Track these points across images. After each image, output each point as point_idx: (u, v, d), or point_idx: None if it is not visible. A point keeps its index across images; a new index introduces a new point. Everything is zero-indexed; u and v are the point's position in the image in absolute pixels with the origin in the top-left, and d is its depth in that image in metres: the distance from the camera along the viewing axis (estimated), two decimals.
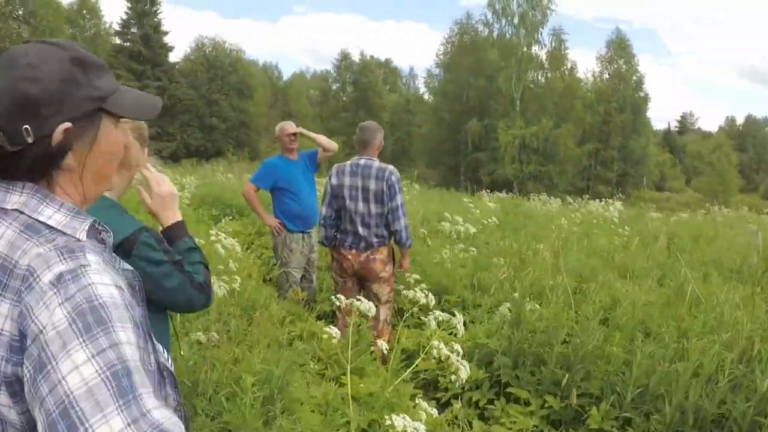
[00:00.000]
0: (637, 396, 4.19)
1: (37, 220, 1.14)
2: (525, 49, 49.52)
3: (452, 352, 2.98)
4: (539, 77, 51.83)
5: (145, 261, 2.05)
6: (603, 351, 4.60)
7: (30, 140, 1.12)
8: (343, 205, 5.20)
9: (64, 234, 1.14)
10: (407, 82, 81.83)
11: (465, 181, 38.05)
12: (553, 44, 51.28)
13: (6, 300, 1.05)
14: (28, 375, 1.01)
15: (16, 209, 1.14)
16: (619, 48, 54.93)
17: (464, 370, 2.98)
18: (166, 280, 2.11)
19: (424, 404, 3.19)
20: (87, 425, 0.93)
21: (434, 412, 3.07)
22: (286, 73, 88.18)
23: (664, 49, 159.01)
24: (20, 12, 37.30)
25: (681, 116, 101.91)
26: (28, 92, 1.12)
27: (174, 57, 56.61)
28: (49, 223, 1.14)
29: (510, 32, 50.23)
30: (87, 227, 1.18)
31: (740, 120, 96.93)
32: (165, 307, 2.23)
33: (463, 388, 4.79)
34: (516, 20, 49.75)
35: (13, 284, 1.06)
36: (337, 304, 3.95)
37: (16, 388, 1.04)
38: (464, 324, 3.77)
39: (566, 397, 4.40)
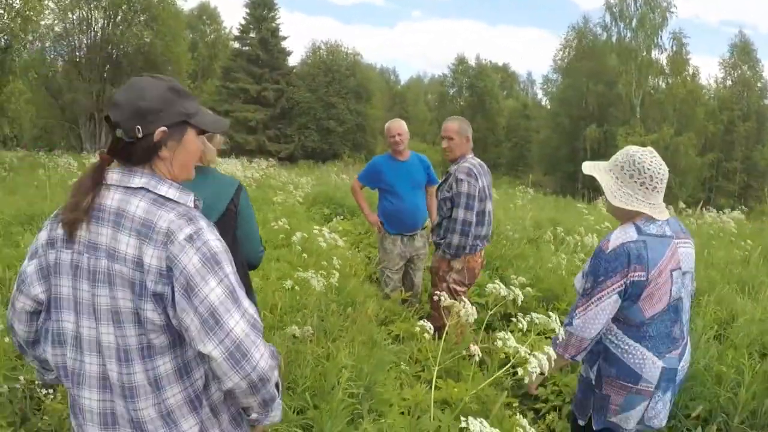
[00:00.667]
0: (747, 418, 3.97)
1: (159, 194, 1.81)
2: (644, 53, 48.37)
3: (538, 355, 2.81)
4: (660, 83, 50.43)
5: (246, 202, 3.18)
6: (714, 369, 4.35)
7: (140, 135, 1.81)
8: (483, 207, 5.24)
9: (180, 204, 1.83)
10: (525, 88, 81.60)
11: (582, 188, 37.22)
12: (674, 48, 49.61)
13: (153, 246, 1.72)
14: (178, 294, 1.72)
15: (143, 187, 1.81)
16: (743, 53, 52.04)
17: (534, 373, 2.78)
18: (253, 221, 3.27)
19: (521, 418, 3.07)
20: (224, 319, 1.72)
21: (524, 422, 2.94)
22: (403, 78, 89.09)
23: None
24: (143, 18, 39.05)
25: None
26: (140, 105, 1.81)
27: (291, 61, 58.27)
28: (168, 195, 1.83)
29: (629, 36, 49.20)
30: (193, 199, 1.91)
31: None
32: (245, 253, 3.24)
33: (563, 401, 4.69)
34: (635, 23, 48.62)
35: (156, 237, 1.73)
36: (440, 302, 3.80)
37: (159, 300, 1.74)
38: None
39: (673, 417, 4.14)
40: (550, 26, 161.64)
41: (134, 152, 1.83)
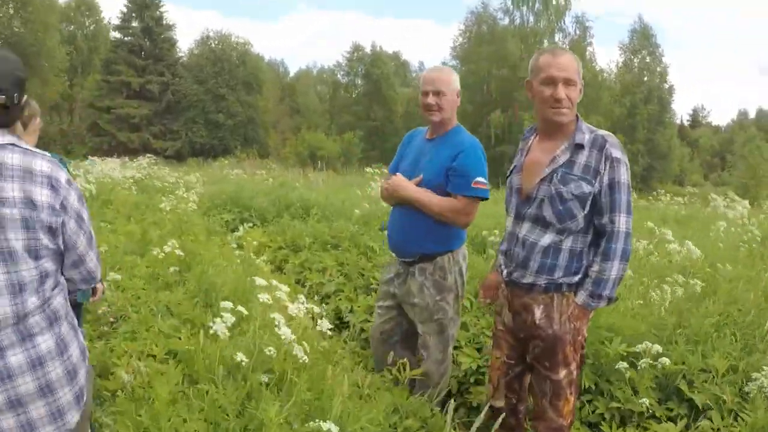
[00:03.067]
0: None
1: (24, 147, 2.34)
2: (548, 37, 52.65)
3: None
4: None
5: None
6: None
7: (17, 102, 2.38)
8: None
9: (43, 153, 2.41)
10: (417, 77, 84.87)
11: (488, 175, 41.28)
12: (577, 32, 54.15)
13: (40, 187, 2.28)
14: (71, 222, 2.40)
15: (10, 143, 2.30)
16: (643, 37, 57.33)
17: None
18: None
19: None
20: (93, 236, 2.60)
21: None
22: (292, 71, 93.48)
23: (670, 44, 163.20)
24: (11, 5, 41.00)
25: (692, 110, 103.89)
26: (18, 75, 2.40)
27: (178, 53, 60.15)
28: (30, 148, 2.37)
29: (531, 20, 53.39)
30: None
31: (752, 114, 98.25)
32: None
33: None
34: (538, 7, 52.78)
35: (41, 180, 2.29)
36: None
37: (50, 230, 2.33)
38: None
39: None
40: (436, 17, 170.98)
41: (8, 115, 2.34)
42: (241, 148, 48.97)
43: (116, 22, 59.07)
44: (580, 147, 3.31)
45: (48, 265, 2.34)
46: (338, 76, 69.81)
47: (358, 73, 66.98)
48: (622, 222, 3.21)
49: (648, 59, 57.99)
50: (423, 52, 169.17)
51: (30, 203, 2.22)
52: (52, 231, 2.31)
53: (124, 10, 57.83)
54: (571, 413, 3.46)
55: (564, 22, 54.65)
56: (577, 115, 3.42)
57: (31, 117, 3.91)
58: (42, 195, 2.26)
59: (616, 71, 58.49)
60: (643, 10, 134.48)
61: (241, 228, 10.86)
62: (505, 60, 53.30)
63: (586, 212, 3.29)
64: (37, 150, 2.38)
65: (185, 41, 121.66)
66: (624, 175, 3.24)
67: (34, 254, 2.27)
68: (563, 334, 3.36)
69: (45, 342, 2.33)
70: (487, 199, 4.31)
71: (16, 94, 2.34)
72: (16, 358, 2.26)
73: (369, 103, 63.40)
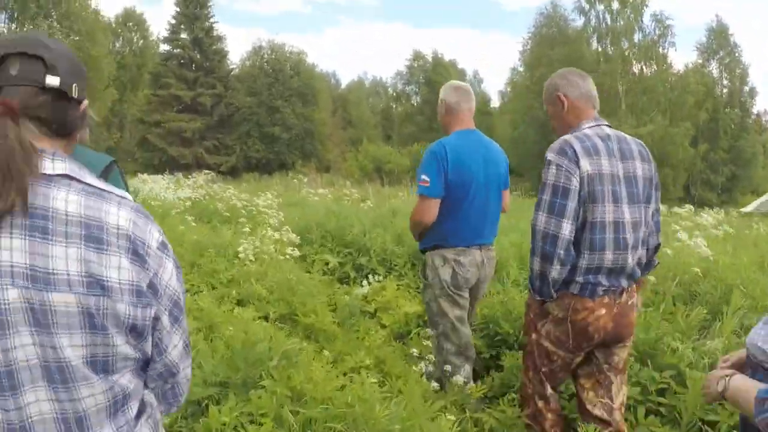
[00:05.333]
0: None
1: (86, 182, 1.52)
2: (627, 36, 50.12)
3: None
4: (644, 69, 51.87)
5: (119, 181, 3.13)
6: None
7: (75, 96, 1.56)
8: (596, 214, 3.43)
9: (119, 195, 1.58)
10: (472, 85, 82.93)
11: None
12: (656, 31, 51.48)
13: (116, 255, 1.45)
14: (165, 316, 1.58)
15: (66, 174, 1.47)
16: (721, 37, 54.70)
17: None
18: None
19: None
20: (188, 344, 1.74)
21: None
22: (343, 82, 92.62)
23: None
24: (54, 14, 39.78)
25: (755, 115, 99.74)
26: (76, 61, 1.60)
27: (229, 64, 59.11)
28: (97, 185, 1.54)
29: (608, 19, 50.94)
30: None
31: None
32: None
33: None
34: (615, 4, 50.31)
35: (116, 242, 1.46)
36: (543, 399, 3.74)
37: (134, 329, 1.51)
38: None
39: None
40: (477, 25, 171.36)
41: (63, 113, 1.52)
42: (302, 162, 48.48)
43: (165, 34, 58.39)
44: None
45: (125, 381, 1.54)
46: (399, 85, 67.09)
47: (420, 81, 65.31)
48: (539, 220, 3.44)
49: (727, 60, 55.27)
50: (470, 61, 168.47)
51: (96, 284, 1.40)
52: (136, 332, 1.50)
53: (173, 21, 57.18)
54: (528, 385, 3.86)
55: (642, 20, 51.72)
56: (568, 125, 3.67)
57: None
58: (119, 270, 1.43)
59: (693, 74, 54.77)
60: (717, 7, 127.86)
61: (365, 283, 7.81)
62: (580, 62, 49.30)
63: None
64: (111, 188, 1.53)
65: (234, 56, 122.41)
66: (549, 175, 3.41)
67: (103, 368, 1.46)
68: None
69: None
70: (432, 196, 4.53)
71: (75, 84, 1.52)
72: None
73: (432, 113, 60.32)
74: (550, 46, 53.31)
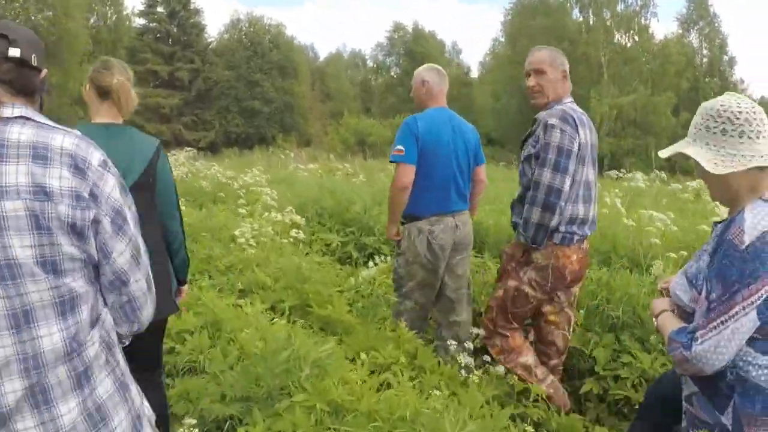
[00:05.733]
0: None
1: (40, 121, 1.82)
2: (610, 6, 49.76)
3: None
4: (625, 39, 51.56)
5: (165, 163, 3.44)
6: None
7: (34, 64, 1.92)
8: (583, 174, 4.17)
9: (68, 129, 1.88)
10: (451, 57, 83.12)
11: None
12: (639, 2, 51.05)
13: (58, 168, 1.72)
14: (107, 222, 1.82)
15: (21, 116, 1.79)
16: (700, 7, 54.60)
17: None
18: (171, 181, 3.58)
19: None
20: (142, 255, 1.97)
21: None
22: (321, 55, 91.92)
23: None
24: None
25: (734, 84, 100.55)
26: (33, 37, 1.95)
27: (207, 38, 57.87)
28: (51, 124, 1.84)
29: None
30: None
31: None
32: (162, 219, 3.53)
33: None
34: None
35: (59, 159, 1.73)
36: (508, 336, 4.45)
37: (74, 230, 1.74)
38: None
39: None
40: None
41: (29, 79, 1.90)
42: (283, 136, 47.34)
43: (140, 7, 56.85)
44: (536, 122, 4.21)
45: (76, 284, 1.77)
46: (379, 57, 66.32)
47: (399, 53, 64.78)
48: (545, 176, 3.95)
49: (707, 30, 55.32)
50: (449, 32, 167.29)
51: (41, 191, 1.69)
52: (76, 231, 1.74)
53: None
54: (495, 326, 4.49)
55: None
56: (559, 97, 4.27)
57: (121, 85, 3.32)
58: (60, 179, 1.72)
59: (674, 44, 54.42)
60: None
61: (371, 263, 7.67)
62: (561, 32, 49.43)
63: (533, 171, 4.13)
64: (62, 127, 1.85)
65: (211, 29, 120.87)
66: (554, 137, 3.96)
67: (51, 267, 1.71)
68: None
69: (69, 412, 1.75)
70: (407, 162, 4.81)
71: (33, 55, 1.92)
72: None
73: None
74: (532, 16, 52.84)
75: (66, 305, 1.73)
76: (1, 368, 1.65)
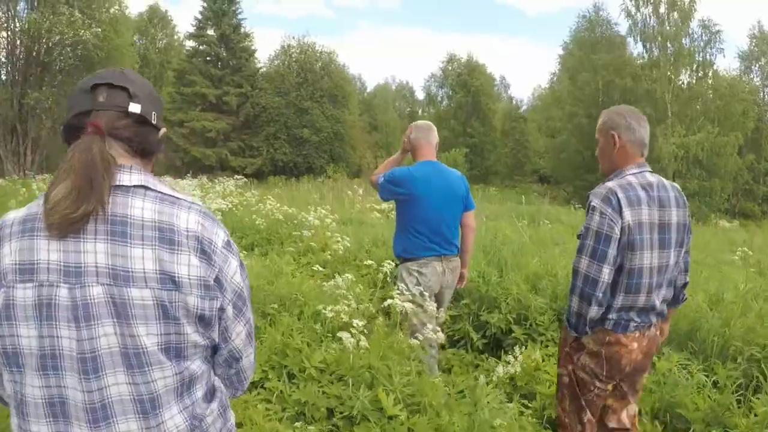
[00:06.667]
0: None
1: (161, 191, 1.78)
2: (675, 41, 47.36)
3: None
4: (691, 76, 49.61)
5: None
6: None
7: (153, 122, 1.87)
8: (634, 261, 3.63)
9: (191, 201, 1.85)
10: (500, 91, 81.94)
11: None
12: (704, 37, 48.90)
13: (186, 254, 1.73)
14: (230, 308, 1.86)
15: (142, 185, 1.75)
16: (763, 42, 52.56)
17: None
18: None
19: None
20: (252, 335, 2.01)
21: None
22: (369, 86, 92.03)
23: None
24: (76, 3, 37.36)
25: None
26: (153, 92, 1.91)
27: (257, 62, 56.74)
28: (172, 194, 1.81)
29: (653, 23, 48.38)
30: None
31: None
32: None
33: None
34: (663, 7, 47.86)
35: (185, 242, 1.74)
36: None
37: (202, 319, 1.79)
38: None
39: None
40: (496, 31, 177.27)
41: (148, 138, 1.83)
42: (334, 167, 45.80)
43: (191, 30, 55.51)
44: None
45: (195, 366, 1.83)
46: (433, 88, 65.09)
47: (452, 85, 63.16)
48: (582, 264, 3.61)
49: None
50: (494, 66, 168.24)
51: (169, 280, 1.69)
52: (204, 321, 1.78)
53: (199, 17, 54.52)
54: (565, 413, 4.00)
55: (690, 26, 48.87)
56: (618, 168, 3.81)
57: None
58: (189, 266, 1.72)
59: (739, 81, 52.24)
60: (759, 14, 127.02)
61: (505, 359, 5.65)
62: (624, 68, 48.09)
63: None
64: (183, 195, 1.84)
65: (261, 54, 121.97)
66: (593, 221, 3.59)
67: (175, 353, 1.75)
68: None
69: None
70: (385, 179, 5.43)
71: (154, 113, 1.86)
72: None
73: (466, 117, 59.84)
74: (592, 50, 51.29)
75: (185, 387, 1.77)
76: None
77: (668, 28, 47.74)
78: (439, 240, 5.47)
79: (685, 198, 3.80)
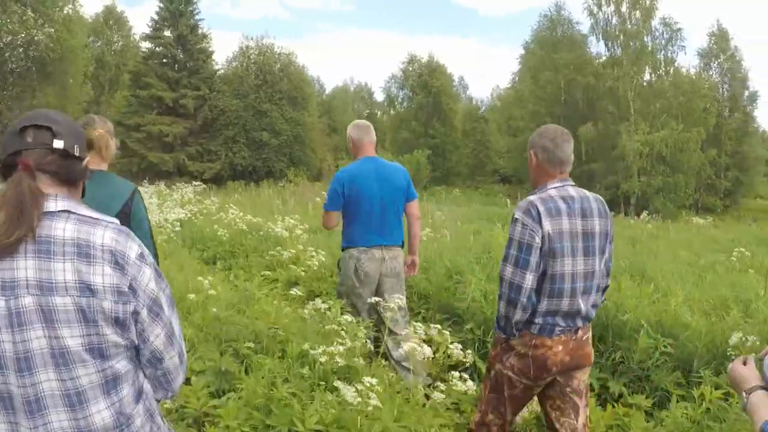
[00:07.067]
0: None
1: (82, 214, 2.01)
2: (638, 39, 47.64)
3: None
4: (652, 74, 49.91)
5: (139, 206, 4.00)
6: None
7: (77, 154, 2.08)
8: (556, 267, 3.83)
9: (109, 222, 2.08)
10: (458, 91, 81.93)
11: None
12: (665, 35, 49.21)
13: (100, 266, 1.94)
14: (144, 312, 2.02)
15: (65, 209, 1.98)
16: (722, 40, 53.01)
17: None
18: (146, 224, 4.07)
19: None
20: (176, 333, 2.17)
21: None
22: (327, 88, 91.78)
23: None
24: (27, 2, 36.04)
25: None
26: (76, 128, 2.14)
27: (214, 65, 55.42)
28: (92, 216, 2.04)
29: (615, 22, 48.61)
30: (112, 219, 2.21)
31: None
32: None
33: None
34: (625, 6, 48.13)
35: (100, 255, 1.96)
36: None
37: (117, 321, 1.97)
38: None
39: None
40: (454, 32, 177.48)
41: (72, 169, 2.05)
42: (295, 170, 44.53)
43: (147, 31, 53.69)
44: None
45: (120, 365, 2.02)
46: (393, 89, 64.31)
47: (413, 86, 62.24)
48: (506, 271, 3.78)
49: (728, 64, 53.49)
50: (453, 67, 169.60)
51: (87, 288, 1.92)
52: (119, 323, 1.98)
53: (155, 17, 52.78)
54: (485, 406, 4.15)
55: (652, 24, 49.26)
56: (541, 183, 4.00)
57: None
58: (103, 276, 1.95)
59: (698, 78, 52.93)
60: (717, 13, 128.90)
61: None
62: (587, 66, 47.54)
63: None
64: (102, 216, 2.07)
65: (218, 56, 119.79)
66: (515, 231, 3.79)
67: (98, 353, 1.96)
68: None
69: None
70: (329, 210, 6.00)
71: (76, 146, 2.10)
72: None
73: (427, 118, 58.95)
74: (554, 49, 51.31)
75: (110, 384, 1.96)
76: None
77: (630, 26, 47.93)
78: (377, 230, 5.93)
79: (607, 208, 4.04)
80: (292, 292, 6.42)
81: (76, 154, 2.04)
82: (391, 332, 5.64)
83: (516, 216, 3.83)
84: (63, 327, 1.84)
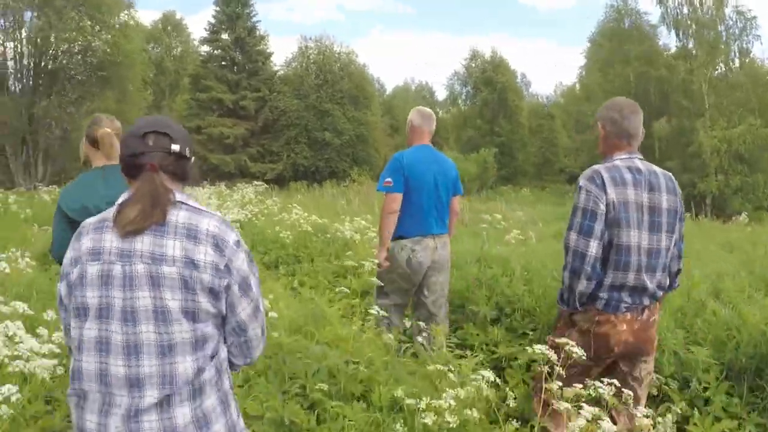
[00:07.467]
0: None
1: (192, 205, 2.33)
2: (712, 29, 45.14)
3: None
4: (727, 66, 47.17)
5: None
6: None
7: (189, 156, 2.43)
8: (622, 237, 3.80)
9: (213, 213, 2.39)
10: (521, 88, 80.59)
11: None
12: (739, 24, 46.32)
13: (204, 246, 2.26)
14: (236, 287, 2.30)
15: (179, 201, 2.29)
16: None
17: None
18: None
19: None
20: (260, 308, 2.43)
21: None
22: (387, 88, 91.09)
23: None
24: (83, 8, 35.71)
25: None
26: (185, 133, 2.44)
27: (273, 65, 55.20)
28: (200, 207, 2.35)
29: (687, 10, 46.20)
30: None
31: None
32: None
33: None
34: None
35: (204, 239, 2.27)
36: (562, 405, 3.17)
37: (212, 292, 2.25)
38: None
39: None
40: (513, 29, 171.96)
41: (185, 168, 2.39)
42: (358, 170, 43.13)
43: (204, 35, 54.01)
44: None
45: (208, 329, 2.28)
46: (456, 86, 62.86)
47: (478, 81, 60.67)
48: (570, 239, 3.78)
49: None
50: (514, 65, 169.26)
51: (191, 263, 2.21)
52: (213, 293, 2.25)
53: (213, 21, 53.02)
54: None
55: (724, 14, 46.41)
56: (608, 154, 4.01)
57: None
58: (205, 254, 2.23)
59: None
60: None
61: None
62: (658, 58, 46.91)
63: None
64: (208, 210, 2.38)
65: (277, 58, 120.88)
66: (579, 198, 3.80)
67: (191, 316, 2.23)
68: None
69: (183, 416, 2.22)
70: (395, 192, 5.83)
71: (187, 148, 2.40)
72: (150, 424, 2.17)
73: (493, 116, 57.26)
74: (622, 41, 49.20)
75: (198, 343, 2.20)
76: (146, 380, 2.13)
77: (702, 14, 45.57)
78: (433, 220, 6.00)
79: (677, 186, 3.96)
80: (372, 310, 5.06)
81: (188, 155, 2.37)
82: (428, 315, 6.04)
83: (580, 184, 3.86)
84: (166, 291, 2.13)
